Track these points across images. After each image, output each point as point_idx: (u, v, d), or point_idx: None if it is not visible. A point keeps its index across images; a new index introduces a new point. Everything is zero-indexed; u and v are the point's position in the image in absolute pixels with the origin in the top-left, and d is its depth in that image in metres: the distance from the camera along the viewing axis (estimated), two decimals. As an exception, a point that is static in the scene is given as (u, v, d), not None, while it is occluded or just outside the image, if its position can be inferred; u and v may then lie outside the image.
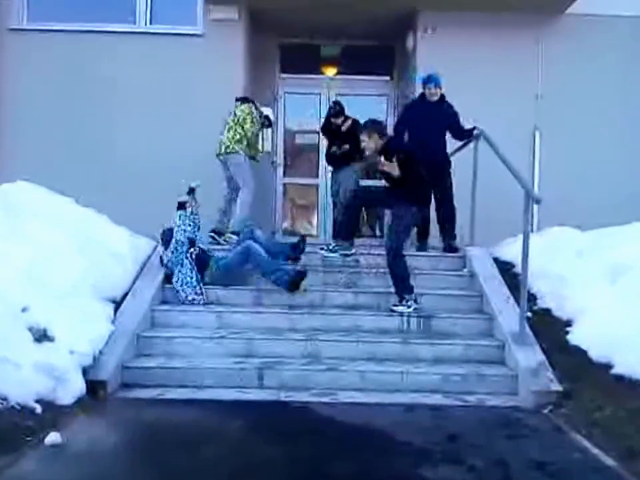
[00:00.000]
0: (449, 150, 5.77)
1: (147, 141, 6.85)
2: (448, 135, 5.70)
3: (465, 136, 5.59)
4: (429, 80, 5.66)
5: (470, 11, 6.77)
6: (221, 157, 5.89)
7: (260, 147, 6.11)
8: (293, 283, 4.60)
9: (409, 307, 4.48)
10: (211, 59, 6.83)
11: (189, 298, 4.63)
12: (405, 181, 4.50)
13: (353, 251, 4.96)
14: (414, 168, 4.52)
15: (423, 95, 5.76)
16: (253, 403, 3.54)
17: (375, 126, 4.77)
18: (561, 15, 6.93)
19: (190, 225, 4.81)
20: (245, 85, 6.95)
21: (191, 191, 4.98)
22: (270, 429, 3.14)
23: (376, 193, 5.16)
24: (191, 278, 4.66)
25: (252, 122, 5.87)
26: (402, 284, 4.52)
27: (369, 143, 4.68)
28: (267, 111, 6.18)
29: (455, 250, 5.56)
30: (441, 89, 5.63)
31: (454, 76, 6.70)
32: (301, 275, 4.64)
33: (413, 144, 5.27)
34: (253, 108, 5.97)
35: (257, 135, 6.00)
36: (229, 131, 5.85)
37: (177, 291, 4.66)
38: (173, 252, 4.70)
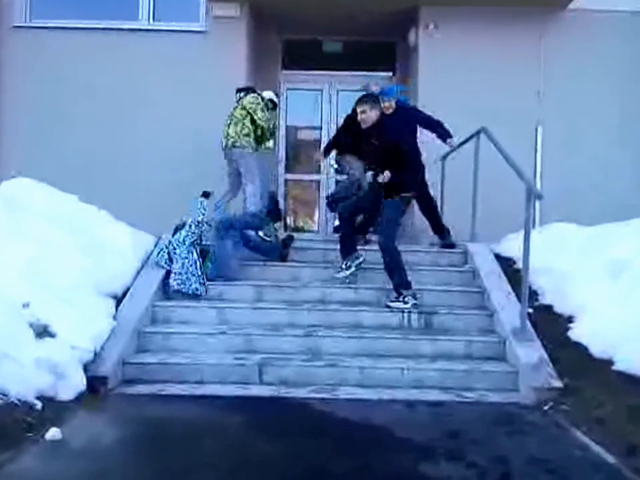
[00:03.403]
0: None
1: (150, 137, 6.87)
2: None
3: (442, 128, 5.61)
4: (381, 94, 5.73)
5: (472, 7, 6.75)
6: (227, 151, 5.70)
7: (269, 141, 5.93)
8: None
9: (405, 302, 4.45)
10: (213, 56, 6.84)
11: (193, 287, 4.63)
12: (404, 173, 4.54)
13: (361, 259, 4.86)
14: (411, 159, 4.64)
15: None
16: (253, 399, 3.54)
17: (376, 99, 4.83)
18: (563, 10, 6.89)
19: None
20: (247, 81, 6.94)
21: (207, 195, 5.11)
22: (270, 425, 3.14)
23: (362, 199, 5.04)
24: (196, 268, 4.68)
25: (262, 111, 5.67)
26: (399, 279, 4.50)
27: (370, 115, 4.68)
28: (268, 94, 5.97)
29: (450, 246, 5.53)
30: (393, 100, 5.67)
31: (456, 72, 6.74)
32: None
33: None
34: (259, 98, 5.77)
35: (268, 123, 5.77)
36: (236, 125, 5.62)
37: (178, 280, 4.63)
38: (189, 228, 4.80)
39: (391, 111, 5.64)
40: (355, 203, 5.04)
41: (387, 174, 4.55)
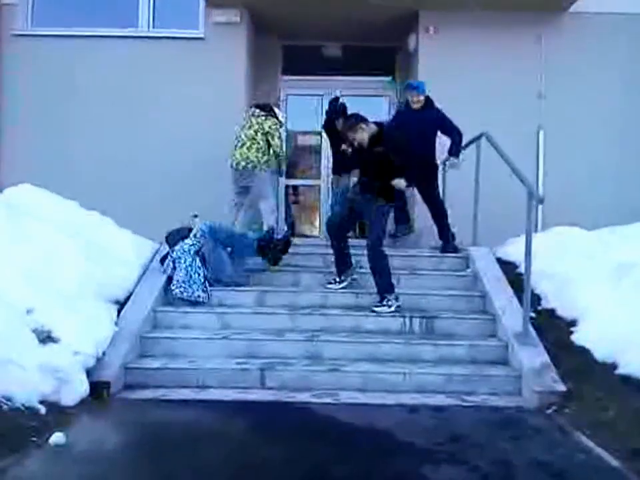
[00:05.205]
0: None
1: (150, 144, 6.88)
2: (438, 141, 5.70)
3: (458, 145, 5.57)
4: (409, 88, 5.73)
5: (471, 11, 6.77)
6: (242, 172, 5.70)
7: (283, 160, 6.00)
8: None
9: (389, 306, 4.46)
10: (212, 62, 6.86)
11: (195, 294, 4.62)
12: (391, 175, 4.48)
13: (356, 276, 4.86)
14: (402, 158, 4.51)
15: (407, 102, 5.81)
16: (255, 404, 3.54)
17: (357, 119, 4.64)
18: (563, 13, 6.91)
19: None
20: (246, 87, 6.97)
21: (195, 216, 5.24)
22: (272, 430, 3.14)
23: (356, 204, 4.82)
24: (199, 275, 4.67)
25: (279, 138, 5.78)
26: (385, 282, 4.51)
27: (362, 134, 4.56)
28: (281, 116, 6.03)
29: (447, 251, 5.50)
30: (422, 95, 5.63)
31: (456, 76, 6.74)
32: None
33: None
34: (277, 121, 5.80)
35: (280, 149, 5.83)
36: (258, 150, 5.64)
37: (181, 287, 4.60)
38: (194, 238, 4.82)
39: (419, 105, 5.62)
40: (345, 212, 4.89)
41: (401, 181, 4.52)
